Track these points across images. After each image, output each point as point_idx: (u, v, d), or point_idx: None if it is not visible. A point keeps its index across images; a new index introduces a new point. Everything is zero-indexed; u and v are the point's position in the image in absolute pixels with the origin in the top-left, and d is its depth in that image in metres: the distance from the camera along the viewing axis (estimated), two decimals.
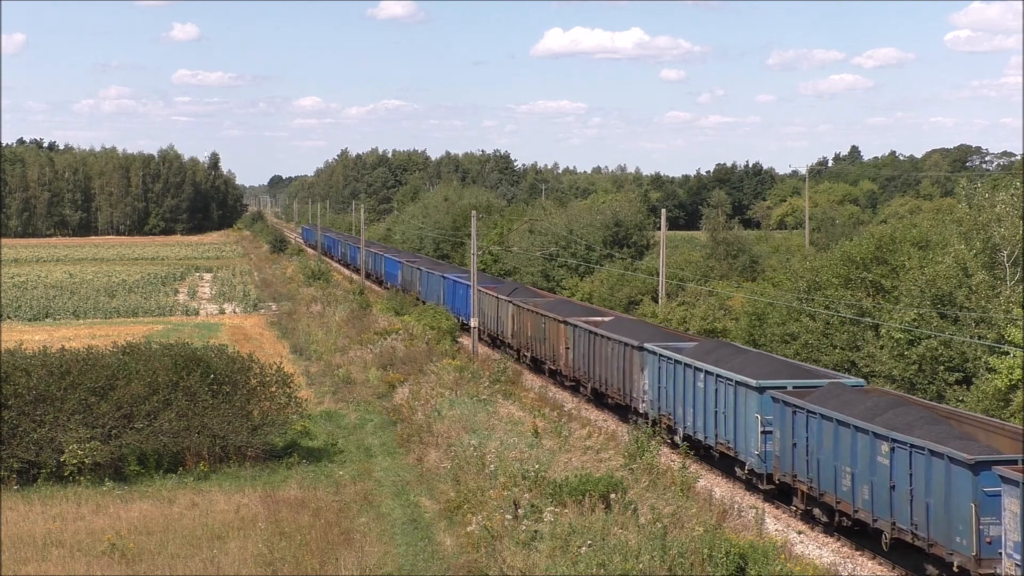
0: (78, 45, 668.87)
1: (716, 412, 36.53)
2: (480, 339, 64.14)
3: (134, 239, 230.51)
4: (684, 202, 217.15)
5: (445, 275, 79.86)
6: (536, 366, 58.48)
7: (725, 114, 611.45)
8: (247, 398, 36.86)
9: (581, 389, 50.79)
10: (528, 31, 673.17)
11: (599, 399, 49.01)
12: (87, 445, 33.50)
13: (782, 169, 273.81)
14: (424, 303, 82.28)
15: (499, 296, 65.70)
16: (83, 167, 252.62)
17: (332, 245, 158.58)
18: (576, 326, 50.56)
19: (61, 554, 26.67)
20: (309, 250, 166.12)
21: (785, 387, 33.45)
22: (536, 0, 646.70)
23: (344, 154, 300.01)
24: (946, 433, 27.34)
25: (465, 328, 67.69)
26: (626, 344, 44.21)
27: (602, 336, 47.21)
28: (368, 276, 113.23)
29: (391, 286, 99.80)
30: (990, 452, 25.81)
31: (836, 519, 30.75)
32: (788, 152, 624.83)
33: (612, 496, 27.29)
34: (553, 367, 54.63)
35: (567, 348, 51.55)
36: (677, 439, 39.42)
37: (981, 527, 24.51)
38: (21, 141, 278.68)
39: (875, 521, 28.45)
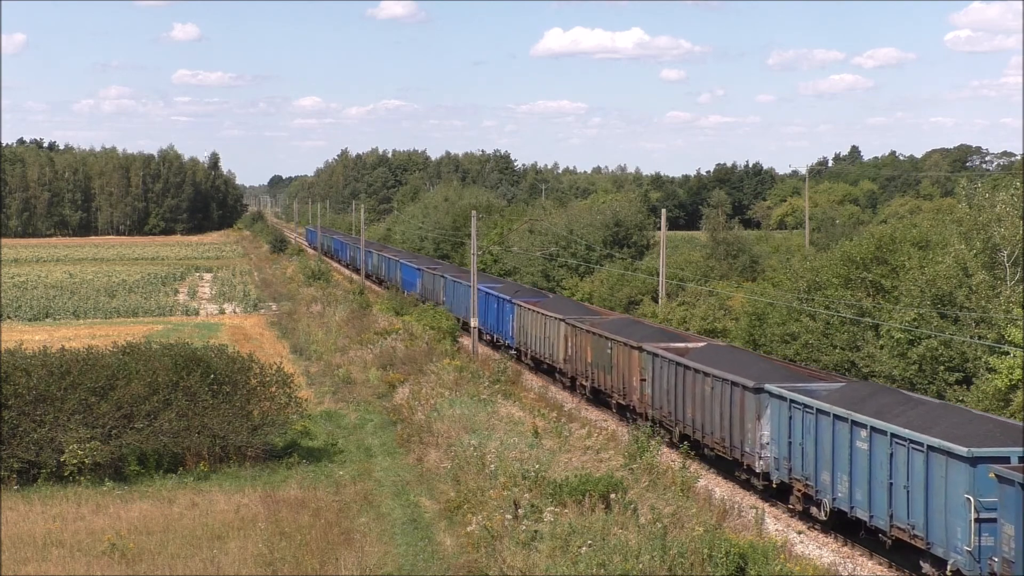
0: (78, 45, 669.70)
1: (891, 484, 27.61)
2: (520, 360, 59.95)
3: (134, 239, 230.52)
4: (684, 202, 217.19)
5: (477, 287, 70.32)
6: (597, 397, 49.76)
7: (725, 114, 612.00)
8: (247, 398, 36.85)
9: (665, 433, 40.90)
10: (528, 31, 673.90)
11: (695, 448, 38.86)
12: (87, 445, 33.49)
13: (782, 169, 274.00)
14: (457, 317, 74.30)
15: (546, 313, 56.35)
16: (83, 167, 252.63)
17: (340, 248, 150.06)
18: (656, 355, 41.96)
19: (61, 554, 26.66)
20: (311, 251, 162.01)
21: (1008, 459, 24.36)
22: (536, 0, 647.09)
23: (344, 154, 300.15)
24: None
25: (514, 354, 61.46)
26: (735, 384, 35.31)
27: (695, 370, 38.53)
28: (381, 284, 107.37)
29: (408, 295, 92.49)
30: None
31: None
32: (788, 152, 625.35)
33: (612, 496, 27.29)
34: (623, 401, 45.69)
35: (642, 380, 43.10)
36: (820, 513, 31.38)
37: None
38: (21, 141, 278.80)
39: None
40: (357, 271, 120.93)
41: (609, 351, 46.61)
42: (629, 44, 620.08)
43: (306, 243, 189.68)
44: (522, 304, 60.09)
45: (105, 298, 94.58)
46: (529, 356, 59.32)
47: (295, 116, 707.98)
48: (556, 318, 54.29)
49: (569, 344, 52.16)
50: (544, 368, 57.60)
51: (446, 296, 79.06)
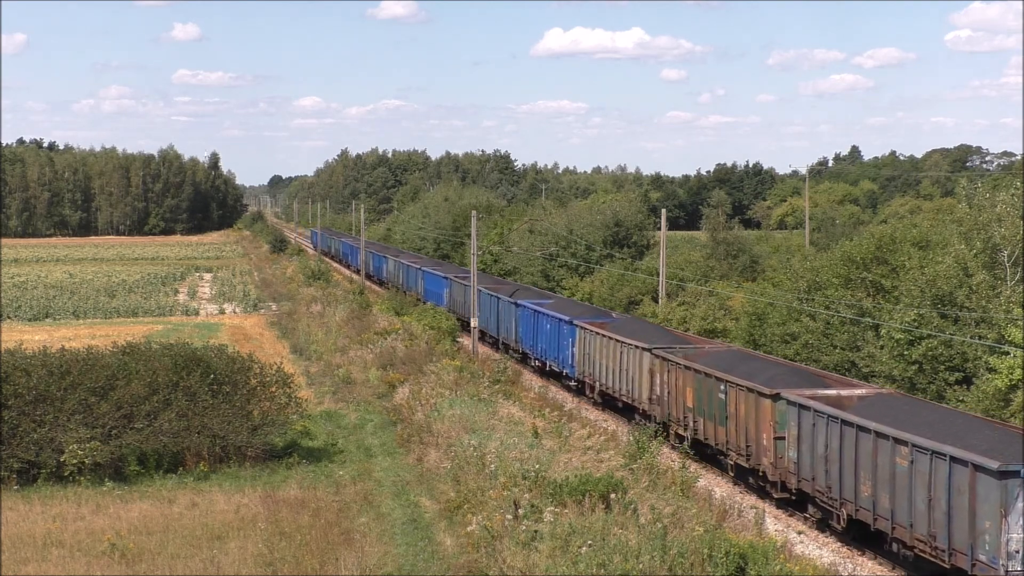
0: (78, 45, 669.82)
1: None
2: (583, 394, 50.58)
3: (134, 239, 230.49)
4: (684, 202, 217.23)
5: (521, 302, 60.85)
6: (699, 450, 39.07)
7: (725, 114, 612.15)
8: (247, 398, 36.86)
9: (818, 512, 31.84)
10: (528, 31, 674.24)
11: (874, 539, 29.86)
12: (87, 445, 33.49)
13: (782, 169, 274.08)
14: (483, 333, 66.74)
15: (622, 340, 45.84)
16: (83, 167, 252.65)
17: (351, 253, 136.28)
18: (803, 406, 31.47)
19: (61, 554, 26.66)
20: (310, 253, 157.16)
21: None
22: (536, 0, 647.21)
23: (344, 154, 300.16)
24: None
25: (575, 386, 52.35)
26: (957, 461, 25.17)
27: (874, 433, 28.31)
28: (400, 291, 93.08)
29: (408, 291, 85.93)
30: None
31: None
32: (788, 152, 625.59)
33: (612, 496, 27.29)
34: (746, 463, 35.21)
35: (778, 439, 33.18)
36: None
37: None
38: (21, 141, 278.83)
39: None
40: (370, 278, 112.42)
41: (722, 396, 36.47)
42: (629, 44, 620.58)
43: (309, 246, 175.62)
44: (586, 327, 49.85)
45: (105, 298, 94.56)
46: (597, 391, 48.57)
47: (295, 116, 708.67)
48: (637, 347, 44.04)
49: (658, 381, 41.99)
50: (620, 407, 46.98)
51: (481, 311, 67.91)
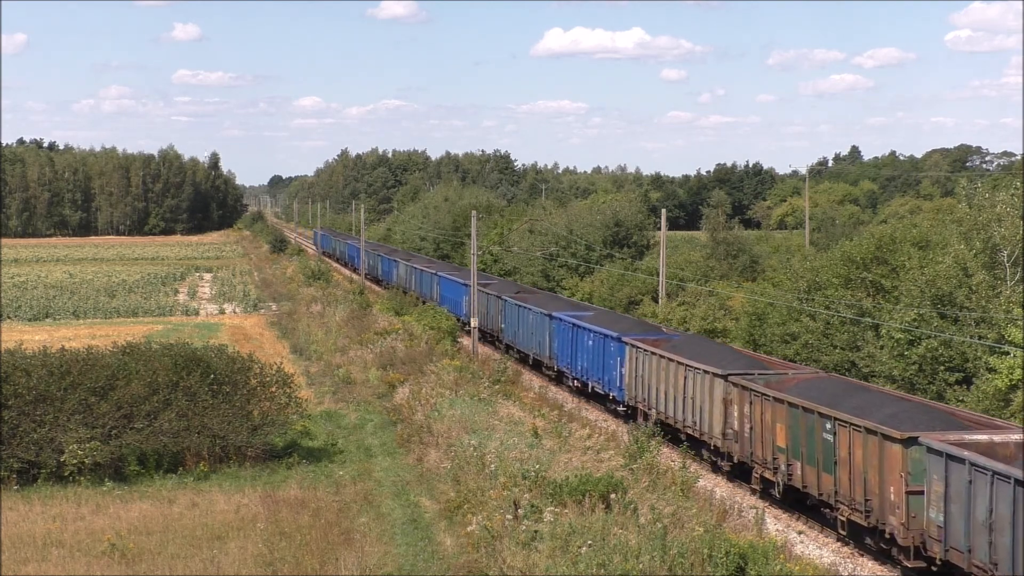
0: (78, 45, 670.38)
1: None
2: (634, 420, 43.36)
3: (134, 239, 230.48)
4: (684, 202, 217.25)
5: (556, 314, 54.27)
6: (793, 496, 33.04)
7: (725, 114, 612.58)
8: (247, 398, 36.86)
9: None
10: (528, 31, 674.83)
11: None
12: (87, 445, 33.49)
13: (782, 169, 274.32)
14: (509, 347, 62.82)
15: (687, 363, 39.47)
16: (83, 167, 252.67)
17: (356, 256, 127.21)
18: (951, 456, 25.22)
19: (61, 554, 26.66)
20: (309, 252, 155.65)
21: None
22: (536, 0, 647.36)
23: (344, 154, 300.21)
24: None
25: (624, 411, 45.73)
26: None
27: None
28: (405, 294, 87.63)
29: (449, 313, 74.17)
30: None
31: None
32: (788, 152, 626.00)
33: (612, 496, 27.29)
34: (864, 521, 28.86)
35: (911, 493, 27.04)
36: None
37: None
38: (21, 141, 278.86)
39: None
40: (381, 282, 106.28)
41: (828, 437, 30.24)
42: (629, 44, 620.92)
43: (313, 248, 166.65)
44: (639, 345, 43.79)
45: (105, 298, 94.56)
46: (654, 419, 41.93)
47: (295, 116, 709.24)
48: (708, 372, 37.75)
49: (736, 413, 35.87)
50: (685, 440, 39.89)
51: (506, 322, 63.29)
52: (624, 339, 45.43)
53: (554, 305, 58.15)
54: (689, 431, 39.21)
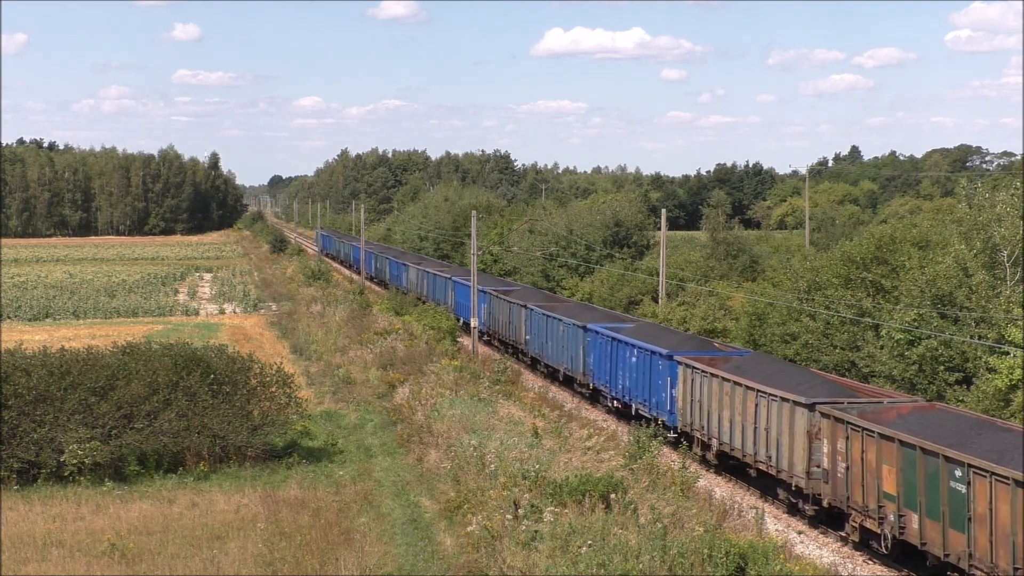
0: (78, 45, 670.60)
1: None
2: (682, 446, 38.85)
3: (134, 239, 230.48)
4: (684, 202, 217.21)
5: (592, 327, 49.43)
6: (907, 552, 28.19)
7: (725, 114, 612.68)
8: (247, 398, 36.86)
9: None
10: (529, 31, 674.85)
11: None
12: (87, 445, 33.49)
13: (782, 169, 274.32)
14: (536, 361, 57.69)
15: (761, 389, 34.08)
16: (83, 167, 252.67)
17: (367, 259, 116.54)
18: None
19: (61, 554, 26.66)
20: (315, 255, 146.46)
21: None
22: (537, 0, 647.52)
23: (344, 154, 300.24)
24: None
25: (675, 437, 40.23)
26: None
27: None
28: (421, 302, 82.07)
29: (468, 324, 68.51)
30: None
31: None
32: (788, 152, 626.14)
33: (612, 496, 27.29)
34: None
35: None
36: None
37: None
38: (21, 141, 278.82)
39: None
40: (385, 284, 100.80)
41: (960, 487, 25.04)
42: (630, 44, 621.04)
43: (315, 250, 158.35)
44: (695, 365, 38.61)
45: (105, 298, 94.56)
46: (715, 450, 37.22)
47: (295, 116, 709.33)
48: (788, 400, 32.52)
49: (826, 450, 30.88)
50: (755, 475, 35.31)
51: (532, 333, 57.70)
52: (676, 357, 40.30)
53: (588, 316, 53.07)
54: (761, 467, 34.09)
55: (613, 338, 46.37)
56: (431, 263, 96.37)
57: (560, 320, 53.35)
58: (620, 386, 45.61)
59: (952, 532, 25.49)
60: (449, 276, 79.77)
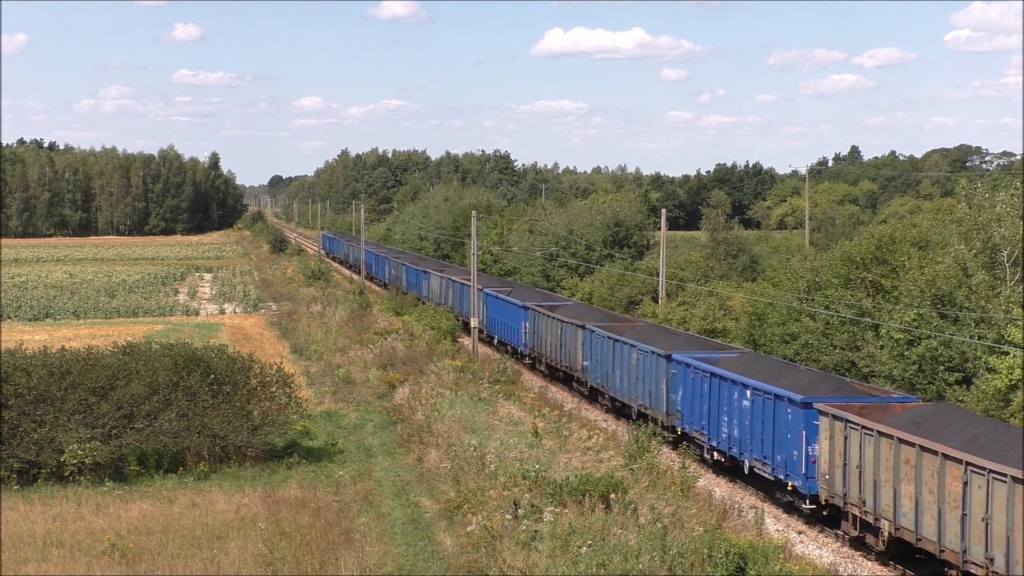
0: (78, 45, 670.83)
1: None
2: (843, 523, 30.29)
3: (134, 239, 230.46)
4: (684, 202, 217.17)
5: (678, 357, 40.81)
6: None
7: (725, 114, 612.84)
8: (247, 398, 36.87)
9: None
10: (529, 31, 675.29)
11: None
12: (87, 445, 33.49)
13: (782, 169, 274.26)
14: (597, 392, 49.30)
15: (976, 465, 24.80)
16: (83, 167, 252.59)
17: (373, 264, 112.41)
18: None
19: (61, 554, 26.66)
20: (324, 260, 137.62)
21: None
22: (537, 0, 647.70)
23: (344, 154, 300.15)
24: None
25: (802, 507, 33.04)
26: None
27: None
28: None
29: (504, 343, 63.67)
30: None
31: None
32: (788, 152, 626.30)
33: (612, 496, 27.30)
34: None
35: None
36: None
37: None
38: (21, 141, 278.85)
39: None
40: (394, 288, 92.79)
41: None
42: (630, 44, 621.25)
43: (319, 254, 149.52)
44: (852, 420, 29.67)
45: (105, 298, 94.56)
46: (887, 534, 28.37)
47: (295, 116, 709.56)
48: (993, 473, 24.19)
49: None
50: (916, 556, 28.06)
51: (593, 358, 49.07)
52: (817, 405, 31.54)
53: (668, 342, 43.90)
54: (975, 569, 24.79)
55: (711, 373, 37.78)
56: (456, 271, 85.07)
57: (633, 346, 44.43)
58: (724, 434, 36.84)
59: None
60: (480, 287, 67.70)
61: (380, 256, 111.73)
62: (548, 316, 54.99)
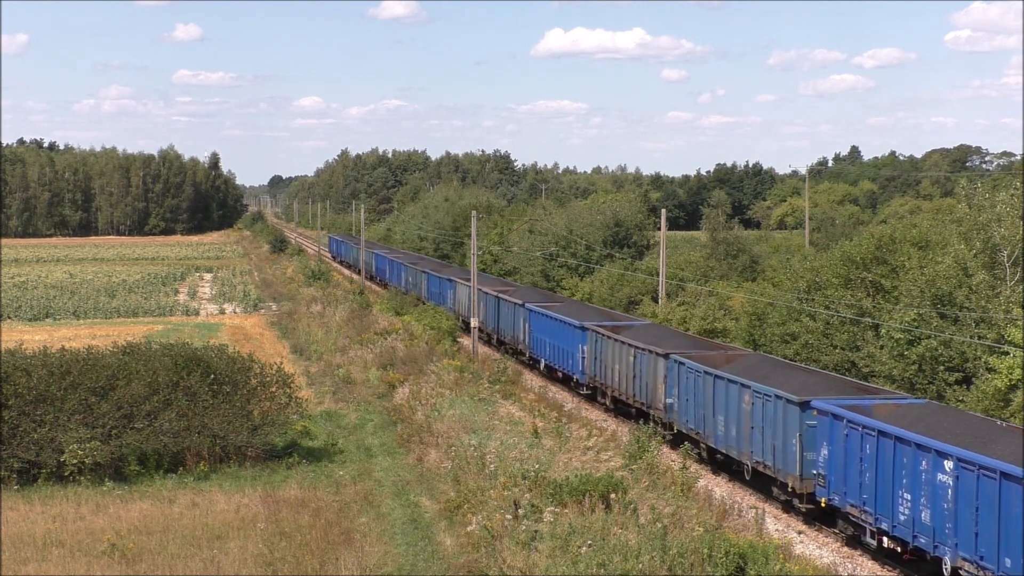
0: (78, 45, 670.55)
1: None
2: None
3: (134, 239, 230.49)
4: (684, 202, 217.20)
5: (816, 404, 31.41)
6: None
7: (725, 114, 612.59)
8: (247, 398, 36.88)
9: None
10: (529, 31, 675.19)
11: None
12: (87, 445, 33.50)
13: (782, 169, 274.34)
14: (660, 423, 41.52)
15: None
16: (83, 167, 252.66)
17: (387, 269, 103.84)
18: None
19: (61, 554, 26.67)
20: (336, 267, 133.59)
21: None
22: (537, 0, 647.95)
23: (344, 154, 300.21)
24: None
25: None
26: None
27: None
28: (492, 343, 65.96)
29: (552, 368, 54.16)
30: None
31: None
32: (788, 152, 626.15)
33: (612, 496, 27.31)
34: None
35: None
36: None
37: None
38: (21, 141, 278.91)
39: None
40: (417, 300, 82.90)
41: None
42: (630, 44, 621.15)
43: (328, 257, 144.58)
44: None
45: (105, 298, 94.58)
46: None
47: (295, 116, 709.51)
48: None
49: None
50: None
51: (671, 389, 40.37)
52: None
53: (793, 381, 34.42)
54: None
55: (875, 431, 28.62)
56: (488, 281, 74.64)
57: (745, 387, 35.14)
58: (904, 516, 27.51)
59: None
60: (520, 301, 59.43)
61: (394, 261, 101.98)
62: (615, 340, 46.18)
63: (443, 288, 78.98)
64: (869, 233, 54.31)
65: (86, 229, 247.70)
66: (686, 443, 38.77)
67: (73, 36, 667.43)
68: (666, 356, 41.36)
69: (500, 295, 64.28)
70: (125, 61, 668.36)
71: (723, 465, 37.83)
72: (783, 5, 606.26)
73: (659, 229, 69.97)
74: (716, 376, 37.30)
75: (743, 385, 35.47)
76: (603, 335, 47.66)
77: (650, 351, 42.70)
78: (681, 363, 39.94)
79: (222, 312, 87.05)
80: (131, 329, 69.18)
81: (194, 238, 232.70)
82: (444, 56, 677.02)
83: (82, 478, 33.30)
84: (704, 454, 38.71)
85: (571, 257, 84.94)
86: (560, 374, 53.15)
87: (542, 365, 55.86)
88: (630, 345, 44.54)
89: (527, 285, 78.70)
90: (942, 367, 40.41)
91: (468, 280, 68.10)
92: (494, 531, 26.00)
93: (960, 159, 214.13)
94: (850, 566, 29.31)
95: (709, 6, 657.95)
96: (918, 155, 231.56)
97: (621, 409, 46.70)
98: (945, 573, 26.13)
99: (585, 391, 49.98)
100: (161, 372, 35.69)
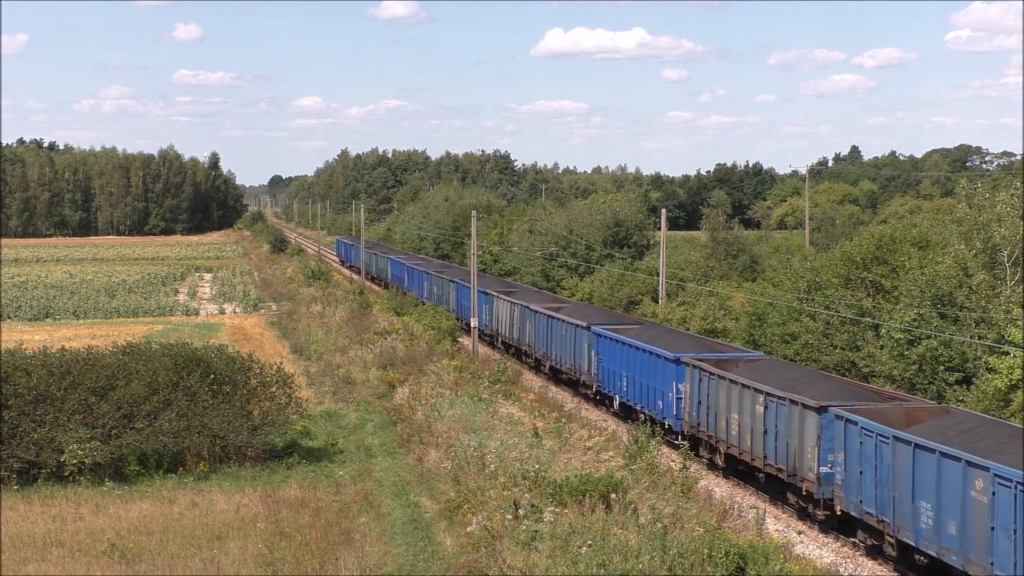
0: (78, 45, 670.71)
1: None
2: None
3: (134, 239, 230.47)
4: (684, 202, 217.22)
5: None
6: None
7: (726, 114, 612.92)
8: (247, 398, 36.86)
9: None
10: (529, 31, 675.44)
11: None
12: (87, 445, 33.49)
13: (782, 169, 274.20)
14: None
15: None
16: (83, 167, 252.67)
17: (405, 276, 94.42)
18: None
19: (61, 554, 26.66)
20: (341, 271, 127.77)
21: None
22: (537, 0, 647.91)
23: (344, 154, 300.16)
24: None
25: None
26: None
27: None
28: (518, 355, 61.19)
29: (630, 408, 44.20)
30: None
31: None
32: (788, 152, 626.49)
33: (612, 496, 27.29)
34: None
35: None
36: None
37: None
38: (21, 141, 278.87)
39: None
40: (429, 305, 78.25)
41: None
42: (630, 44, 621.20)
43: (336, 261, 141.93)
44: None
45: (105, 298, 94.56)
46: None
47: (295, 116, 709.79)
48: None
49: None
50: None
51: (825, 456, 30.59)
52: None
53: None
54: None
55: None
56: (529, 295, 65.52)
57: (985, 470, 23.66)
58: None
59: None
60: (585, 324, 49.46)
61: (414, 269, 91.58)
62: (729, 380, 36.08)
63: (479, 301, 65.04)
64: (869, 233, 54.31)
65: (86, 229, 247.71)
66: (860, 532, 29.68)
67: (73, 36, 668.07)
68: (819, 409, 30.89)
69: (552, 314, 53.82)
70: (125, 61, 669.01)
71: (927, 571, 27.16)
72: (783, 5, 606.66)
73: (659, 229, 69.96)
74: (917, 446, 26.35)
75: (973, 465, 23.99)
76: (709, 372, 37.51)
77: (792, 401, 32.34)
78: (851, 422, 29.41)
79: (222, 312, 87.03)
80: (131, 329, 69.17)
81: (194, 238, 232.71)
82: (444, 56, 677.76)
83: (82, 478, 33.29)
84: (894, 550, 28.09)
85: (571, 257, 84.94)
86: (643, 417, 41.69)
87: (616, 403, 45.59)
88: (755, 390, 34.37)
89: (582, 302, 68.38)
90: (942, 367, 40.41)
91: (508, 295, 63.46)
92: (494, 531, 25.99)
93: (960, 159, 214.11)
94: (850, 566, 29.30)
95: (709, 6, 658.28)
96: (918, 155, 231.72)
97: (741, 470, 36.55)
98: None
99: (680, 441, 39.52)
100: (161, 372, 35.68)
